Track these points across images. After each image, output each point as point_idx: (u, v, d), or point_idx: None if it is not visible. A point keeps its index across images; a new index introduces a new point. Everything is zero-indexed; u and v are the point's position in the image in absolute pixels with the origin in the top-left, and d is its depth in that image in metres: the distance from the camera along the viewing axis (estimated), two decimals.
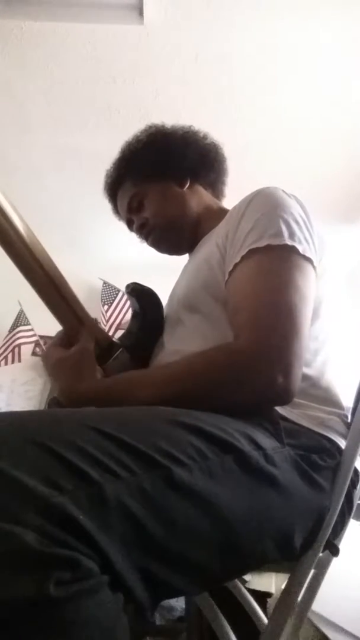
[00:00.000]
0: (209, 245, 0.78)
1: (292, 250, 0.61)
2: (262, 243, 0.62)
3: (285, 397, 0.55)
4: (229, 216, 0.74)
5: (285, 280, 0.59)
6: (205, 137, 0.97)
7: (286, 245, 0.61)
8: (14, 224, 0.66)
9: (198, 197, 0.93)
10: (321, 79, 1.71)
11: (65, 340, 0.76)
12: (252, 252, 0.62)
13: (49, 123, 1.96)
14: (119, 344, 0.79)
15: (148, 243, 0.96)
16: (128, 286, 0.86)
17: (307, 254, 0.62)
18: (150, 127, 0.97)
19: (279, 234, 0.62)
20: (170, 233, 0.92)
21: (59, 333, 0.78)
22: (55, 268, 0.72)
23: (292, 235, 0.62)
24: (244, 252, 0.63)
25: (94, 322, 0.77)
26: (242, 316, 0.60)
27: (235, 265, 0.65)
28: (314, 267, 0.64)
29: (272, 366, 0.54)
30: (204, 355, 0.59)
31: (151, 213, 0.91)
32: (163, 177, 0.91)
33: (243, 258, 0.63)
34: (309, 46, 1.60)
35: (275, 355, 0.54)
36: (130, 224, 0.98)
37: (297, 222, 0.64)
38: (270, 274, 0.61)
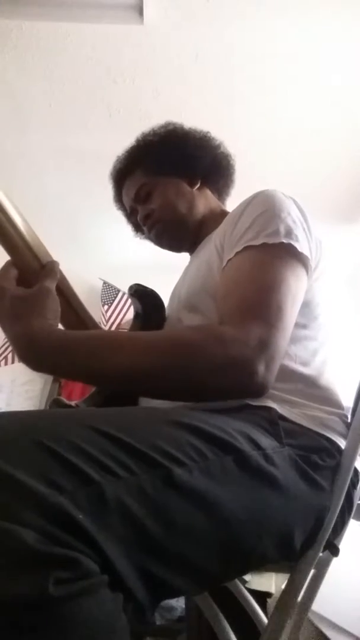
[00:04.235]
0: (208, 247, 0.78)
1: (288, 248, 0.61)
2: (258, 241, 0.62)
3: (262, 389, 0.54)
4: (228, 218, 0.74)
5: (279, 277, 0.59)
6: (220, 145, 0.98)
7: (282, 244, 0.61)
8: None
9: (205, 199, 0.94)
10: (321, 78, 1.71)
11: (23, 281, 0.65)
12: (247, 249, 0.63)
13: (49, 123, 1.96)
14: None
15: (149, 235, 0.96)
16: (131, 288, 0.86)
17: (304, 252, 0.62)
18: (168, 124, 0.97)
19: (276, 233, 0.62)
20: (175, 228, 0.92)
21: (9, 267, 0.65)
22: (24, 222, 0.65)
23: (288, 233, 0.62)
24: (239, 248, 0.63)
25: (56, 265, 0.68)
26: (231, 301, 0.59)
27: (229, 260, 0.65)
28: (310, 265, 0.64)
29: (256, 355, 0.53)
30: (191, 332, 0.58)
31: (159, 205, 0.91)
32: (176, 173, 0.92)
33: (237, 253, 0.64)
34: (309, 46, 1.60)
35: (260, 345, 0.53)
36: (132, 213, 0.98)
37: (294, 222, 0.64)
38: (263, 267, 0.61)
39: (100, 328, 0.77)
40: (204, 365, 0.52)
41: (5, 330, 0.61)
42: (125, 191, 0.98)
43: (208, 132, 0.98)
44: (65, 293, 0.71)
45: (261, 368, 0.52)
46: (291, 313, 0.59)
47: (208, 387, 0.53)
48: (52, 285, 0.64)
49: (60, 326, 0.63)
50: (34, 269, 0.66)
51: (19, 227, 0.64)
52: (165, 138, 0.95)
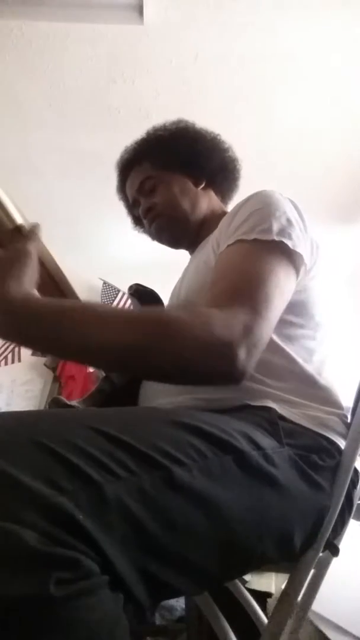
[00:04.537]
0: (207, 248, 0.78)
1: (280, 246, 0.61)
2: (250, 236, 0.62)
3: (240, 375, 0.52)
4: (225, 217, 0.74)
5: (268, 269, 0.59)
6: (229, 149, 0.98)
7: (274, 241, 0.61)
8: None
9: (209, 199, 0.95)
10: (321, 78, 1.71)
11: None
12: (238, 242, 0.63)
13: (49, 123, 1.96)
14: None
15: (149, 229, 0.96)
16: (131, 287, 0.86)
17: (298, 249, 0.62)
18: (180, 121, 0.98)
19: (268, 230, 0.62)
20: (176, 224, 0.92)
21: None
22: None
23: (281, 231, 0.62)
24: (230, 241, 0.64)
25: (38, 228, 0.64)
26: (219, 288, 0.59)
27: (221, 253, 0.65)
28: (303, 264, 0.64)
29: (239, 340, 0.51)
30: (176, 311, 0.56)
31: (162, 200, 0.91)
32: (182, 171, 0.92)
33: (229, 246, 0.64)
34: (309, 46, 1.60)
35: (244, 331, 0.52)
36: (134, 205, 0.98)
37: (288, 221, 0.64)
38: (254, 259, 0.60)
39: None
40: (187, 343, 0.50)
41: None
42: (130, 182, 0.97)
43: (218, 134, 0.98)
44: (47, 264, 0.67)
45: (242, 353, 0.51)
46: (278, 305, 0.58)
47: (189, 366, 0.51)
48: (31, 248, 0.60)
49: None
50: (8, 230, 0.61)
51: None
52: (176, 134, 0.95)
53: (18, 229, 0.62)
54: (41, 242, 0.66)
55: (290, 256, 0.62)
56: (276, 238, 0.61)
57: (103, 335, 0.50)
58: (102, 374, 0.80)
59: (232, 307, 0.54)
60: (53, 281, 0.70)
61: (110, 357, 0.51)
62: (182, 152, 0.91)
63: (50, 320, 0.52)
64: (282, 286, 0.60)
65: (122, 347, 0.50)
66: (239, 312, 0.53)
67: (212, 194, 0.96)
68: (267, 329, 0.55)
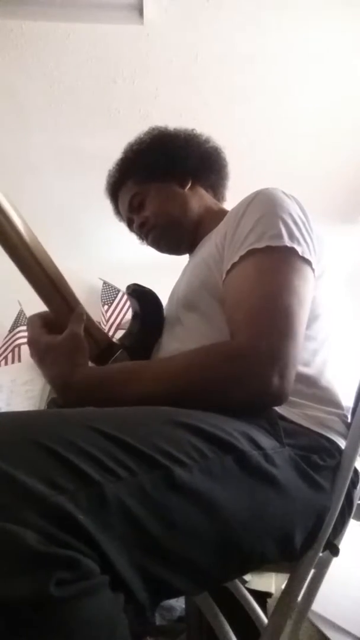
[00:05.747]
0: (208, 246, 0.78)
1: (292, 252, 0.61)
2: (261, 244, 0.62)
3: (279, 399, 0.56)
4: (229, 217, 0.74)
5: (284, 282, 0.59)
6: (207, 140, 0.98)
7: (285, 247, 0.61)
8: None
9: (199, 198, 0.94)
10: (321, 78, 1.71)
11: (51, 324, 0.73)
12: (251, 253, 0.63)
13: (49, 123, 1.95)
14: (119, 344, 0.80)
15: (148, 242, 0.97)
16: (129, 287, 0.86)
17: (306, 256, 0.62)
18: (153, 129, 0.98)
19: (279, 235, 0.62)
20: (171, 232, 0.92)
21: (42, 315, 0.75)
22: (45, 253, 0.71)
23: (291, 236, 0.62)
24: (242, 252, 0.63)
25: (83, 309, 0.74)
26: (239, 315, 0.60)
27: (234, 264, 0.65)
28: (312, 269, 0.64)
29: (268, 367, 0.54)
30: (202, 353, 0.59)
31: (152, 212, 0.92)
32: (165, 177, 0.92)
33: (242, 258, 0.64)
34: (309, 46, 1.60)
35: (272, 356, 0.54)
36: (130, 223, 0.99)
37: (296, 223, 0.64)
38: (268, 274, 0.61)
39: (107, 338, 0.80)
40: (216, 387, 0.55)
41: (44, 375, 0.68)
42: (121, 203, 0.99)
43: (193, 129, 0.98)
44: (90, 330, 0.76)
45: (275, 379, 0.54)
46: (300, 317, 0.59)
47: (227, 403, 0.56)
48: (80, 329, 0.69)
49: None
50: (60, 305, 0.73)
51: (50, 273, 0.70)
52: (150, 144, 0.95)
53: (70, 307, 0.72)
54: (40, 244, 0.70)
55: (304, 261, 0.62)
56: (288, 244, 0.61)
57: (137, 390, 0.59)
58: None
59: (254, 336, 0.56)
60: (92, 339, 0.76)
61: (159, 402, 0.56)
62: (158, 159, 0.92)
63: (98, 389, 0.62)
64: (301, 294, 0.60)
65: (154, 398, 0.56)
66: (261, 340, 0.55)
67: (201, 191, 0.96)
68: (294, 345, 0.57)
